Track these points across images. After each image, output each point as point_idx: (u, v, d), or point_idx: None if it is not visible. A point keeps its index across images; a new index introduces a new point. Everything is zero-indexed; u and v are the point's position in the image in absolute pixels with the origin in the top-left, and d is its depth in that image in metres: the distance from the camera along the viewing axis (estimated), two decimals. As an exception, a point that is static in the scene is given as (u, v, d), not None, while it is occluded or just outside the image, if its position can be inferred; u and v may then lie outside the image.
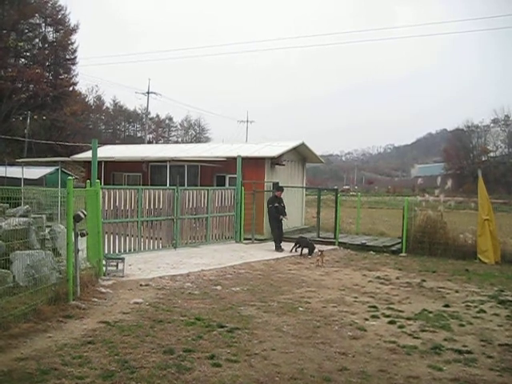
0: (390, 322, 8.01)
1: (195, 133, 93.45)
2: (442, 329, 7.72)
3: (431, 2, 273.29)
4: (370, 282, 11.57)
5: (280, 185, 18.90)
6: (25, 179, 24.83)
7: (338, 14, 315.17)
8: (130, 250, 14.11)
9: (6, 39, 47.49)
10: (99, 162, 15.66)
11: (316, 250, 14.99)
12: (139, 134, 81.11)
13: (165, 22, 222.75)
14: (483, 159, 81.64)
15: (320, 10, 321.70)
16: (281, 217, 17.05)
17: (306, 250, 15.66)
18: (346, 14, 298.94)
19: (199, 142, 79.12)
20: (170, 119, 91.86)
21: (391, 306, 9.17)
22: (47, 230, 10.50)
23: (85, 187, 12.15)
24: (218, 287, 10.19)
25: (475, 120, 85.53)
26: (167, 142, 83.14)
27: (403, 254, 16.27)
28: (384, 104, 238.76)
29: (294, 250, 16.09)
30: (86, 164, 24.31)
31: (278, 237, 16.84)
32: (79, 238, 8.68)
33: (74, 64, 55.12)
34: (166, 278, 10.89)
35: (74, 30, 54.18)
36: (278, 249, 16.52)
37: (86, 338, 6.60)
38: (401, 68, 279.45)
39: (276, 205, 17.08)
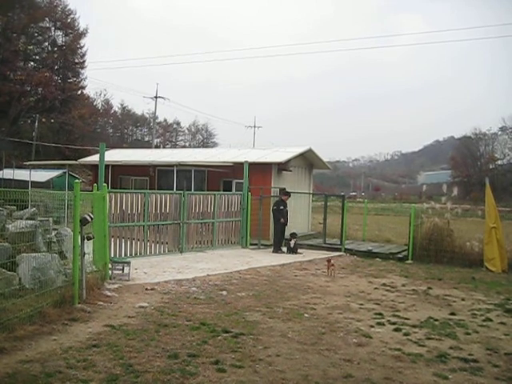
0: (396, 330, 7.98)
1: (202, 138, 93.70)
2: (448, 337, 7.68)
3: (441, 11, 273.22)
4: (375, 288, 11.53)
5: (287, 191, 18.99)
6: (32, 182, 24.95)
7: (345, 22, 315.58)
8: (136, 254, 14.13)
9: (15, 43, 47.90)
10: (106, 166, 15.73)
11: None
12: (147, 138, 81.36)
13: (173, 26, 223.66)
14: (491, 167, 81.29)
15: (330, 18, 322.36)
16: (281, 220, 17.55)
17: None
18: (354, 22, 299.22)
19: (206, 146, 79.38)
20: (178, 124, 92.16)
21: (397, 313, 9.13)
22: (54, 233, 10.52)
23: (92, 191, 12.19)
24: (224, 292, 10.18)
25: (483, 128, 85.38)
26: (174, 146, 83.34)
27: (409, 262, 16.22)
28: (392, 114, 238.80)
29: None
30: (94, 167, 24.42)
31: (279, 240, 17.51)
32: (85, 241, 8.70)
33: (82, 68, 55.62)
34: (171, 283, 10.89)
35: (83, 34, 54.68)
36: (278, 250, 17.27)
37: (90, 341, 6.61)
38: (409, 79, 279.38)
39: (281, 207, 17.64)
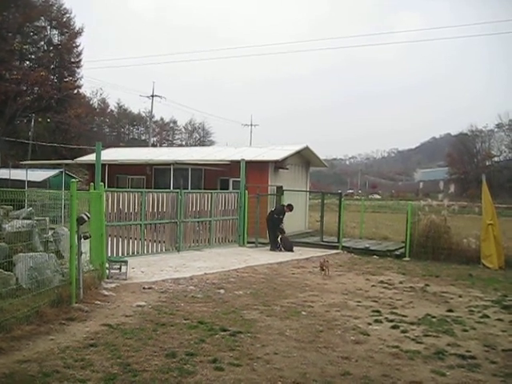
0: (393, 327, 7.98)
1: (199, 136, 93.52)
2: (445, 334, 7.69)
3: (441, 9, 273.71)
4: (373, 286, 11.54)
5: (284, 188, 19.06)
6: (29, 181, 24.93)
7: (342, 21, 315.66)
8: (133, 253, 14.13)
9: (11, 42, 47.67)
10: (103, 165, 15.67)
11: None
12: (143, 137, 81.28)
13: (173, 26, 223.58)
14: (487, 164, 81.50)
15: (327, 17, 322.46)
16: (282, 225, 17.85)
17: None
18: (352, 21, 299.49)
19: (203, 145, 79.16)
20: (174, 122, 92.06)
21: (394, 310, 9.14)
22: (50, 233, 10.50)
23: (88, 190, 12.16)
24: (221, 291, 10.17)
25: (479, 125, 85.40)
26: (171, 145, 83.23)
27: (406, 259, 16.23)
28: (390, 112, 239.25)
29: None
30: (90, 167, 24.36)
31: (276, 238, 17.64)
32: (82, 240, 8.68)
33: (78, 67, 55.28)
34: (169, 281, 10.89)
35: (78, 33, 54.35)
36: (275, 249, 17.34)
37: (88, 340, 6.60)
38: (407, 77, 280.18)
39: (281, 217, 17.78)
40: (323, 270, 12.69)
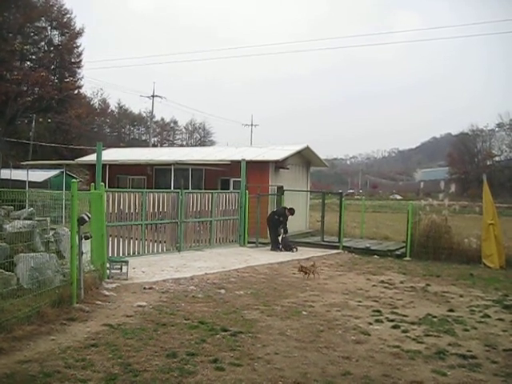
0: (394, 327, 7.98)
1: (200, 136, 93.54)
2: (446, 333, 7.69)
3: (438, 9, 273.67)
4: (373, 286, 11.53)
5: (284, 188, 19.07)
6: (29, 182, 24.95)
7: (341, 21, 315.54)
8: (133, 253, 14.12)
9: (11, 42, 47.69)
10: (104, 165, 15.66)
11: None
12: (144, 138, 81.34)
13: (173, 26, 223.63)
14: (488, 163, 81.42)
15: (326, 17, 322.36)
16: (280, 228, 17.72)
17: None
18: (351, 21, 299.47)
19: (204, 145, 79.20)
20: (175, 122, 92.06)
21: (395, 310, 9.13)
22: (51, 233, 10.52)
23: (89, 190, 12.16)
24: (222, 291, 10.17)
25: (480, 124, 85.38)
26: (172, 145, 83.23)
27: (407, 259, 16.23)
28: (390, 112, 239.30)
29: None
30: (91, 167, 24.37)
31: (276, 237, 17.69)
32: (83, 240, 8.68)
33: (79, 67, 55.37)
34: (169, 282, 10.88)
35: (79, 34, 54.42)
36: (276, 249, 17.34)
37: (89, 340, 6.60)
38: (406, 77, 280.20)
39: (281, 219, 17.67)
40: (306, 273, 12.13)
